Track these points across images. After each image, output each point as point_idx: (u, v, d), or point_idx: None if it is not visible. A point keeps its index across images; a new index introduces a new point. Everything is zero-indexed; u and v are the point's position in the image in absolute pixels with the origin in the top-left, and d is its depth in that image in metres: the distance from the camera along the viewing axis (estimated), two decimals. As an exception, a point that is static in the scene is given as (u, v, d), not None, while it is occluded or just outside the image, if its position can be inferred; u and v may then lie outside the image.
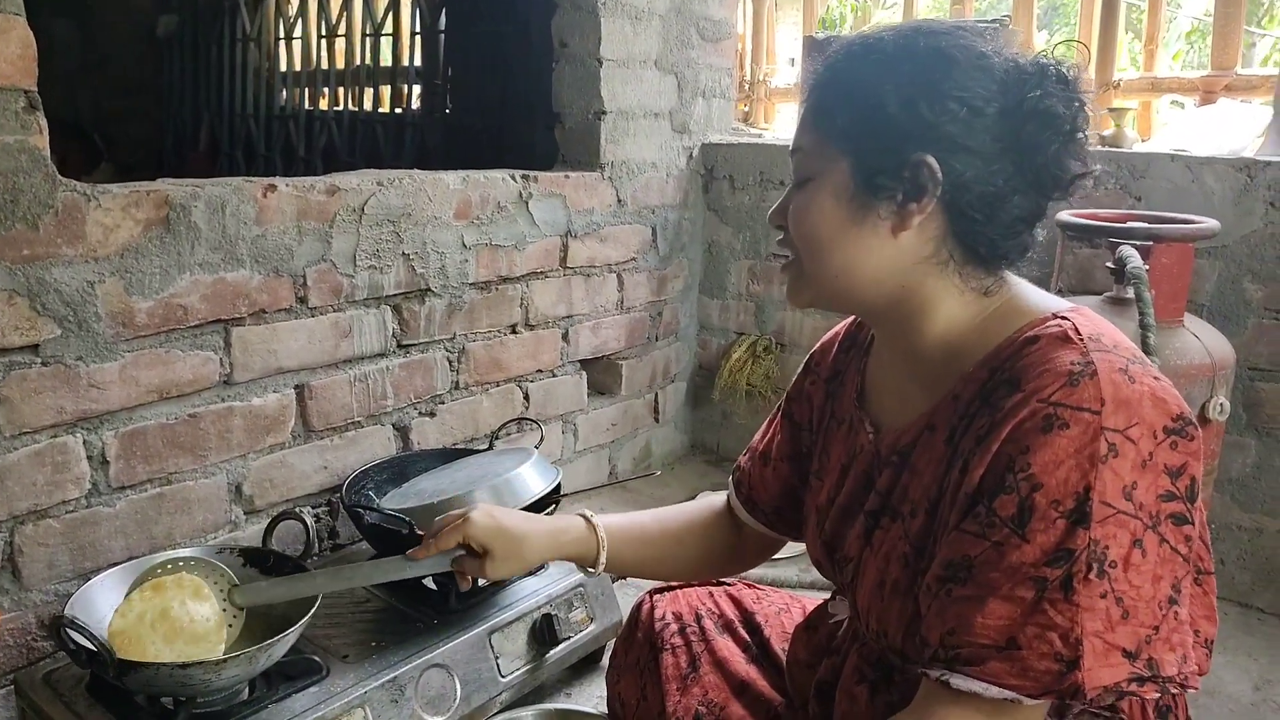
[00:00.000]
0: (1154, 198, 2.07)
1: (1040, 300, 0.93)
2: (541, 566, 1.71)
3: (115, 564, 1.47)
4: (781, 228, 0.98)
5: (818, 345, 1.20)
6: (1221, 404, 1.72)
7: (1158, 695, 0.82)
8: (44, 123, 1.38)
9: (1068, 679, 0.79)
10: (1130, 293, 1.64)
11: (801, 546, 1.22)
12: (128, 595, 1.29)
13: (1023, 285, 0.95)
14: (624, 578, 2.04)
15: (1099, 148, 2.30)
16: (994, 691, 0.81)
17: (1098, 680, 0.79)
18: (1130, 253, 1.67)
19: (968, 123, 0.86)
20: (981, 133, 0.87)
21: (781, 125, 3.82)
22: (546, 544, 1.17)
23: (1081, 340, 0.85)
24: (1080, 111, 0.89)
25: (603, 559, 1.18)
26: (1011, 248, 0.92)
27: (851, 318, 1.16)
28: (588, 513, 1.22)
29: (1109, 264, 1.75)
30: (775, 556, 1.32)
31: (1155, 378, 0.84)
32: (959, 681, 0.82)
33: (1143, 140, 2.84)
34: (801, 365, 1.21)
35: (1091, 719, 0.90)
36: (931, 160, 0.86)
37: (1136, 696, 0.82)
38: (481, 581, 1.61)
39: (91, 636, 1.17)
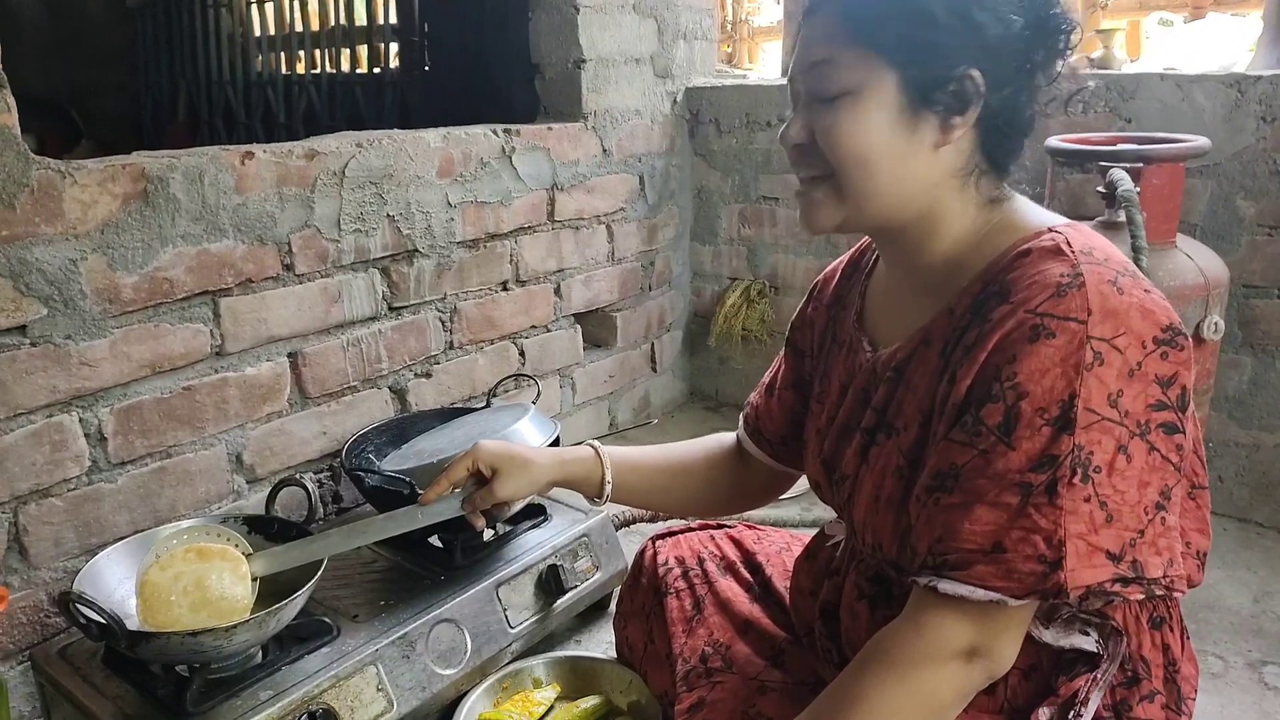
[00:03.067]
0: (1145, 119, 2.05)
1: (1036, 215, 0.94)
2: (545, 516, 1.73)
3: (121, 538, 1.48)
4: (800, 146, 0.94)
5: (821, 274, 1.20)
6: (1216, 323, 1.72)
7: (1142, 596, 0.84)
8: (12, 101, 1.36)
9: (1051, 579, 0.81)
10: (1122, 216, 1.62)
11: (802, 485, 1.23)
12: (170, 552, 1.27)
13: (1021, 200, 0.96)
14: (631, 523, 2.06)
15: (1087, 70, 2.26)
16: (980, 594, 0.83)
17: (1080, 580, 0.81)
18: (1120, 176, 1.65)
19: (1003, 36, 0.88)
20: (1012, 44, 0.88)
21: (766, 65, 3.76)
22: (553, 465, 1.18)
23: (1073, 253, 0.85)
24: (1075, 28, 0.91)
25: (608, 486, 1.19)
26: (1018, 154, 0.95)
27: (855, 247, 1.16)
28: (594, 441, 1.22)
29: (1100, 188, 1.73)
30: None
31: (1146, 290, 0.85)
32: (946, 586, 0.84)
33: (1132, 61, 2.80)
34: (806, 293, 1.21)
35: (1082, 625, 0.91)
36: (976, 74, 0.87)
37: (1120, 598, 0.83)
38: (489, 534, 1.64)
39: (101, 610, 1.18)
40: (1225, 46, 2.51)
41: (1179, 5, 2.85)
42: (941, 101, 0.88)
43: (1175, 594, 0.86)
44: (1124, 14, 2.93)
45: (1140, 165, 1.69)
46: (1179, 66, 2.29)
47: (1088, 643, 0.91)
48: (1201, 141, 1.76)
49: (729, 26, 3.82)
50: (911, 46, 0.88)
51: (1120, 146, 1.77)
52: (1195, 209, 2.01)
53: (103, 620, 1.17)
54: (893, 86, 0.88)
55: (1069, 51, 0.91)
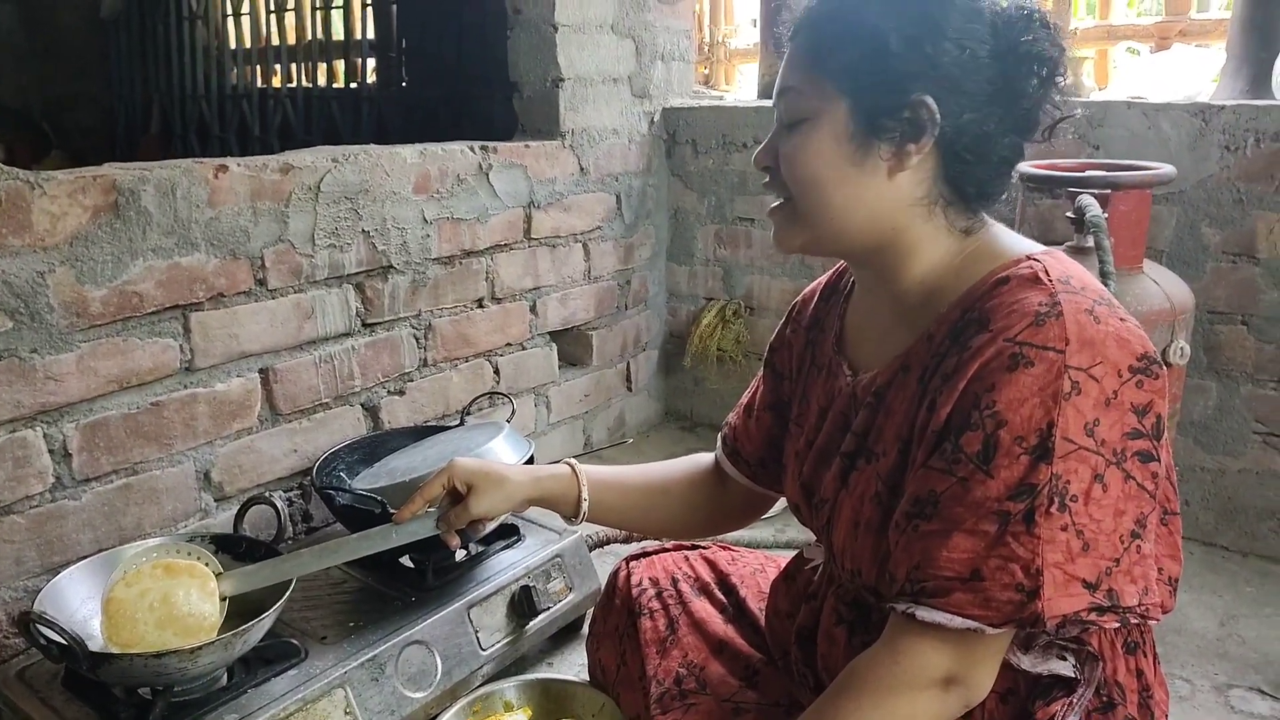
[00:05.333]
0: (1112, 146, 2.09)
1: (1014, 243, 0.95)
2: (518, 537, 1.72)
3: (84, 557, 1.45)
4: (769, 169, 0.97)
5: (800, 296, 1.20)
6: (1182, 348, 1.74)
7: (1117, 625, 0.84)
8: (-20, 110, 1.34)
9: (1028, 608, 0.81)
10: (1090, 242, 1.65)
11: (778, 507, 1.23)
12: (137, 568, 1.24)
13: (998, 228, 0.97)
14: (605, 544, 2.05)
15: (1077, 97, 2.30)
16: (958, 622, 0.83)
17: (1057, 609, 0.81)
18: (1089, 202, 1.68)
19: (964, 64, 0.88)
20: (975, 74, 0.88)
21: (742, 87, 3.80)
22: (529, 483, 1.16)
23: (1050, 282, 0.86)
24: (1062, 55, 0.91)
25: (585, 504, 1.18)
26: (996, 188, 0.94)
27: (833, 270, 1.16)
28: (571, 460, 1.22)
29: (1069, 214, 1.76)
30: (751, 518, 1.33)
31: (1121, 319, 0.86)
32: (924, 613, 0.84)
33: (1099, 89, 2.86)
34: (784, 315, 1.21)
35: (1059, 651, 0.92)
36: (930, 101, 0.87)
37: (1096, 626, 0.84)
38: (461, 554, 1.62)
39: (62, 630, 1.15)
40: (1190, 76, 2.57)
41: (1145, 35, 2.92)
42: (894, 129, 0.89)
43: (1150, 621, 0.86)
44: (1092, 43, 2.99)
45: (1108, 191, 1.72)
46: (1146, 95, 2.34)
47: (1065, 668, 0.91)
48: (1168, 169, 1.80)
49: (706, 48, 3.85)
50: (861, 74, 0.89)
51: (1089, 173, 1.80)
52: (1162, 235, 2.05)
53: (64, 641, 1.15)
54: (844, 114, 0.90)
55: (1057, 79, 0.91)
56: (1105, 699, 0.93)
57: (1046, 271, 0.87)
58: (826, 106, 0.90)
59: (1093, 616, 0.82)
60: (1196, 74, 2.57)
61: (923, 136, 0.89)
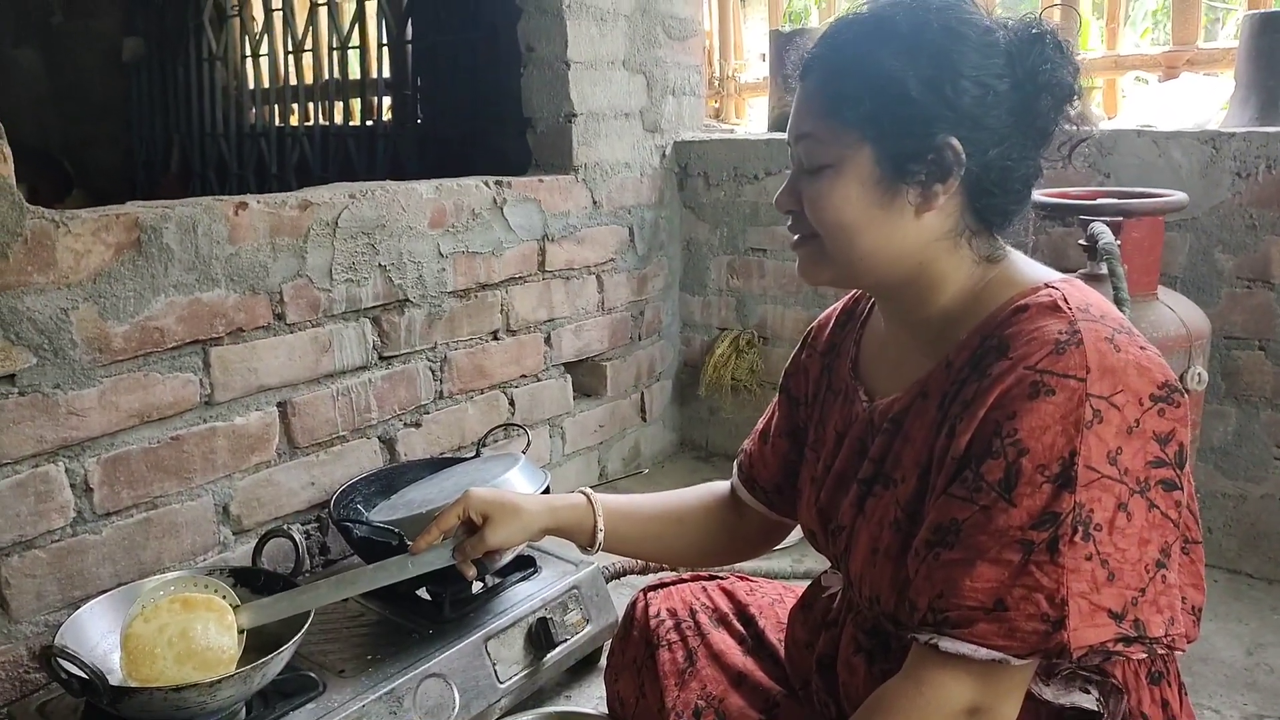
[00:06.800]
0: (1123, 174, 2.09)
1: (1033, 270, 0.95)
2: (535, 568, 1.72)
3: (104, 591, 1.46)
4: (792, 212, 0.97)
5: (816, 321, 1.20)
6: (1199, 374, 1.74)
7: (1144, 655, 0.83)
8: (8, 151, 1.37)
9: (1054, 639, 0.80)
10: (1104, 269, 1.65)
11: (795, 537, 1.22)
12: (154, 603, 1.25)
13: (1017, 255, 0.97)
14: (622, 575, 2.04)
15: (1093, 116, 2.32)
16: (982, 653, 0.82)
17: (1083, 640, 0.80)
18: (1102, 229, 1.68)
19: (984, 100, 0.88)
20: (996, 108, 0.88)
21: (752, 120, 3.83)
22: (544, 512, 1.16)
23: (1070, 310, 0.86)
24: (1078, 76, 0.91)
25: (600, 534, 1.17)
26: (1016, 211, 0.95)
27: (849, 295, 1.17)
28: (587, 489, 1.22)
29: (1081, 241, 1.76)
30: (768, 548, 1.32)
31: (1141, 347, 0.86)
32: (947, 644, 0.83)
33: (1109, 118, 2.87)
34: (800, 341, 1.21)
35: (1082, 682, 0.91)
36: (955, 142, 0.87)
37: (1123, 656, 0.83)
38: (478, 586, 1.62)
39: (83, 665, 1.15)
40: (1199, 104, 2.58)
41: (1153, 65, 2.93)
42: (920, 171, 0.89)
43: (1176, 651, 0.85)
44: (1101, 73, 3.00)
45: (1121, 219, 1.73)
46: (1155, 124, 2.35)
47: (1088, 701, 0.90)
48: (1180, 196, 1.80)
49: (716, 83, 3.89)
50: (884, 121, 0.89)
51: (1101, 200, 1.80)
52: (1175, 262, 2.05)
53: (85, 675, 1.15)
54: (869, 160, 0.90)
55: (1074, 99, 0.91)
56: (1131, 730, 0.92)
57: (1066, 299, 0.87)
58: (849, 153, 0.91)
59: (1119, 647, 0.81)
60: (1205, 102, 2.58)
61: (949, 177, 0.89)
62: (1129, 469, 0.81)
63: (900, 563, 0.92)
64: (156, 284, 1.56)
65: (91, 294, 1.48)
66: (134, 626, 1.23)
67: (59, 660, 1.16)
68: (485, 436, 2.03)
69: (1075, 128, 0.93)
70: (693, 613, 1.32)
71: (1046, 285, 0.90)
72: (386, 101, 3.68)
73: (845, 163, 0.91)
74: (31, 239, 1.40)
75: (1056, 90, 0.90)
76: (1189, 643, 0.90)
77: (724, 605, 1.34)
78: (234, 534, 1.74)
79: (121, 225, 1.51)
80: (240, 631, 1.27)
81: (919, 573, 0.87)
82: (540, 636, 1.60)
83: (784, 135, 1.01)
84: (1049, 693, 0.91)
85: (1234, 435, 2.07)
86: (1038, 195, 1.88)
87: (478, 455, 1.91)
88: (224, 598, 1.29)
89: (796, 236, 0.99)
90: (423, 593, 1.63)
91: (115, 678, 1.23)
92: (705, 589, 1.37)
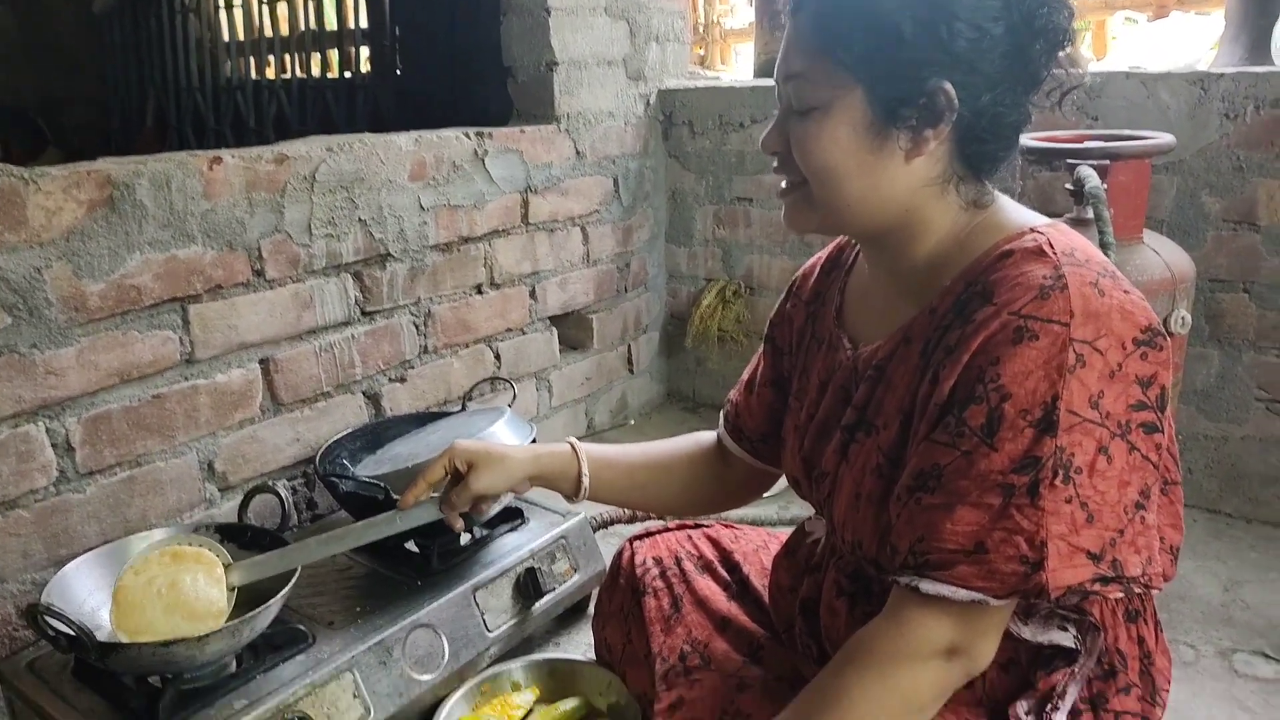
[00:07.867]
0: (1111, 116, 2.07)
1: (1019, 215, 0.94)
2: (522, 519, 1.73)
3: (90, 549, 1.46)
4: (777, 154, 0.96)
5: (800, 270, 1.19)
6: (1183, 317, 1.74)
7: (1121, 594, 0.84)
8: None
9: (1033, 579, 0.81)
10: (1090, 213, 1.64)
11: (781, 485, 1.23)
12: (145, 555, 1.26)
13: (1003, 200, 0.96)
14: (609, 524, 2.06)
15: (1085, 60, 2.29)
16: (962, 594, 0.83)
17: (1061, 580, 0.81)
18: (1088, 173, 1.67)
19: (978, 44, 0.86)
20: (990, 52, 0.86)
21: (739, 67, 3.78)
22: (529, 460, 1.16)
23: (1055, 254, 0.86)
24: (1072, 20, 0.89)
25: (585, 482, 1.18)
26: (1005, 157, 0.94)
27: (833, 244, 1.16)
28: (572, 439, 1.22)
29: (1068, 185, 1.75)
30: (752, 495, 1.33)
31: (1125, 291, 0.85)
32: (928, 586, 0.84)
33: (1098, 59, 2.84)
34: (785, 290, 1.20)
35: (1060, 621, 0.92)
36: (949, 87, 0.86)
37: (1100, 596, 0.84)
38: (465, 538, 1.63)
39: (70, 621, 1.16)
40: (1189, 44, 2.55)
41: (1143, 4, 2.90)
42: (911, 116, 0.87)
43: (1153, 590, 0.86)
44: (1090, 13, 2.97)
45: (1107, 162, 1.71)
46: (1144, 65, 2.32)
47: (1066, 638, 0.92)
48: (1167, 138, 1.79)
49: (701, 29, 3.83)
50: (877, 63, 0.87)
51: (1088, 144, 1.79)
52: (1162, 205, 2.04)
53: (72, 632, 1.16)
54: (860, 102, 0.88)
55: (1067, 44, 0.89)
56: (1106, 667, 0.94)
57: (1051, 244, 0.87)
58: (840, 95, 0.89)
59: (1096, 587, 0.83)
60: (1195, 42, 2.55)
61: (941, 122, 0.87)
62: (1110, 412, 0.81)
63: (882, 508, 0.93)
64: (131, 241, 1.53)
65: (65, 252, 1.46)
66: (124, 579, 1.24)
67: (46, 618, 1.17)
68: (471, 390, 2.03)
69: (1066, 73, 0.91)
70: (678, 560, 1.34)
71: (1032, 230, 0.90)
72: (365, 53, 3.61)
73: (835, 105, 0.89)
74: (1, 198, 1.37)
75: (1051, 34, 0.88)
76: (1166, 581, 0.91)
77: (709, 552, 1.35)
78: (220, 491, 1.74)
79: (93, 182, 1.48)
80: (231, 589, 1.28)
81: (900, 517, 0.88)
82: (528, 586, 1.61)
83: (771, 82, 0.98)
84: (1027, 631, 0.92)
85: (1216, 378, 2.08)
86: (1025, 139, 1.86)
87: (463, 409, 1.91)
88: (218, 554, 1.30)
89: (784, 184, 0.97)
90: (411, 545, 1.63)
91: (103, 633, 1.24)
92: (690, 537, 1.38)
